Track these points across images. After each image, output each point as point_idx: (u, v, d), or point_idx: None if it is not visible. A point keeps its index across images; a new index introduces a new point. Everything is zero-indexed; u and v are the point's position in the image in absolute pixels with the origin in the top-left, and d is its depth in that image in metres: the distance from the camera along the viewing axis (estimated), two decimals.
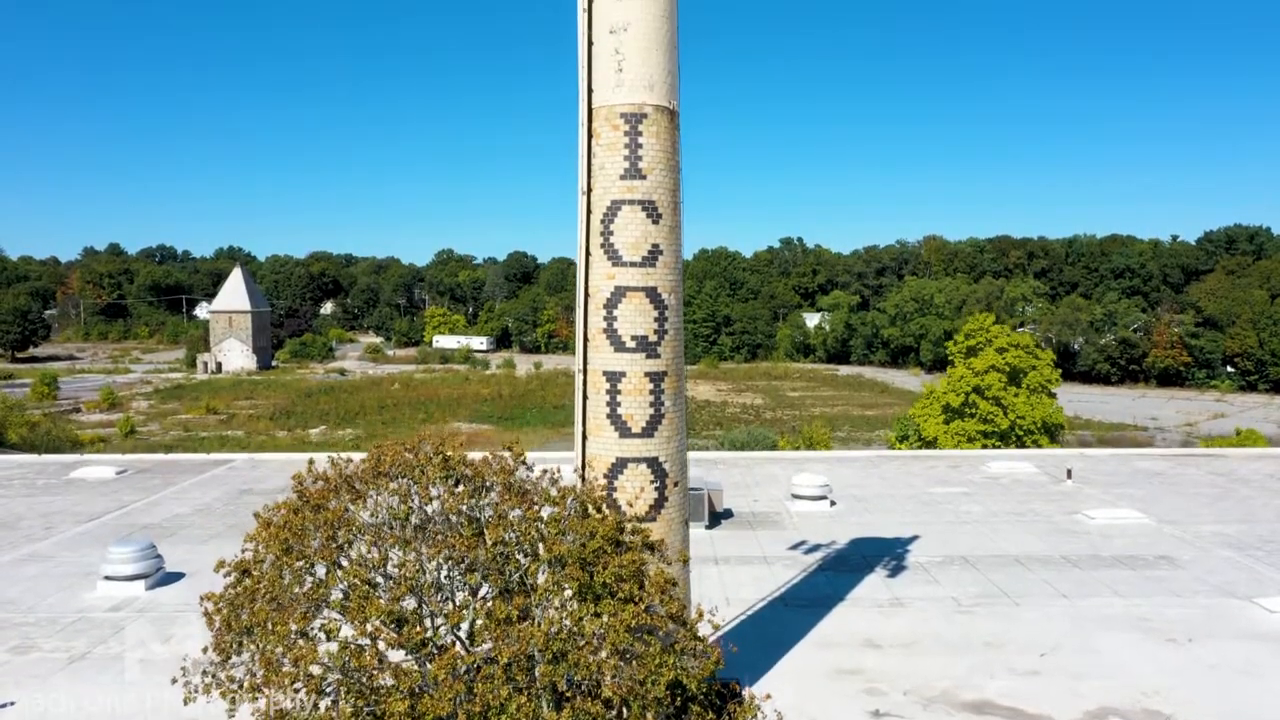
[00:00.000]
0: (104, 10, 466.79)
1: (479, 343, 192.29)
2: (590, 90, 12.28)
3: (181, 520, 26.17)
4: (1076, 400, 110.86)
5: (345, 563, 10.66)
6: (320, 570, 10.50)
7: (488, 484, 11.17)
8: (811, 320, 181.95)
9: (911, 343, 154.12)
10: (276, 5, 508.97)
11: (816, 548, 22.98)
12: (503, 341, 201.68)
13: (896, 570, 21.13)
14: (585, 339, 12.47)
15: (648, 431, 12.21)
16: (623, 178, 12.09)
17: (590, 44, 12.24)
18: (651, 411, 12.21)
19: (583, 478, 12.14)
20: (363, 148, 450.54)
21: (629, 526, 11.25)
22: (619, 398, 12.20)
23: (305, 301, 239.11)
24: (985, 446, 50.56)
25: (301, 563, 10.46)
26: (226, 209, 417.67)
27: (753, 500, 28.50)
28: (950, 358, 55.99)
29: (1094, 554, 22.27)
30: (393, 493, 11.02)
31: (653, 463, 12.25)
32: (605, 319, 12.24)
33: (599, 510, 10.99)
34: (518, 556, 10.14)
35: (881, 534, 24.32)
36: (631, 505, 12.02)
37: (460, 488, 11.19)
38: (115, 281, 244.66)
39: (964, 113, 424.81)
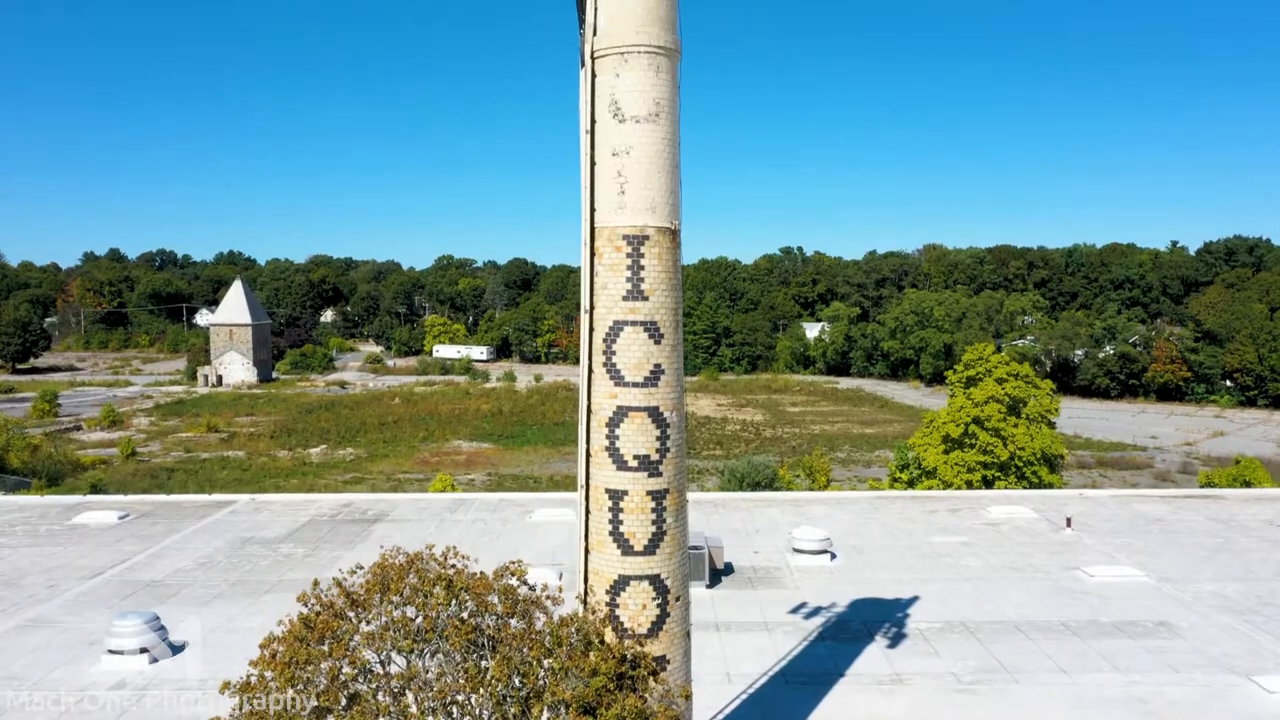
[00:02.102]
0: (103, 14, 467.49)
1: (479, 352, 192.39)
2: (593, 209, 12.39)
3: (184, 576, 26.23)
4: (1076, 416, 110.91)
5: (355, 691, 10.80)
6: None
7: (493, 610, 11.31)
8: (811, 331, 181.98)
9: (911, 355, 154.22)
10: (278, 8, 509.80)
11: (817, 611, 23.07)
12: (503, 351, 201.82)
13: (897, 639, 21.21)
14: (588, 455, 12.57)
15: (650, 549, 12.31)
16: (625, 299, 12.19)
17: (593, 164, 12.36)
18: (654, 530, 12.31)
19: (584, 601, 12.23)
20: (363, 150, 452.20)
21: (630, 655, 11.36)
22: (621, 515, 12.30)
23: (305, 309, 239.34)
24: (985, 477, 50.67)
25: (306, 694, 10.60)
26: (226, 211, 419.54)
27: (753, 552, 28.56)
28: (950, 388, 56.07)
29: (1093, 619, 22.35)
30: (397, 624, 11.13)
31: (655, 580, 12.34)
32: (608, 437, 12.33)
33: (601, 642, 11.09)
34: (520, 696, 10.25)
35: (882, 594, 24.40)
36: (634, 625, 12.13)
37: (465, 617, 11.33)
38: (115, 289, 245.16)
39: (964, 118, 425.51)
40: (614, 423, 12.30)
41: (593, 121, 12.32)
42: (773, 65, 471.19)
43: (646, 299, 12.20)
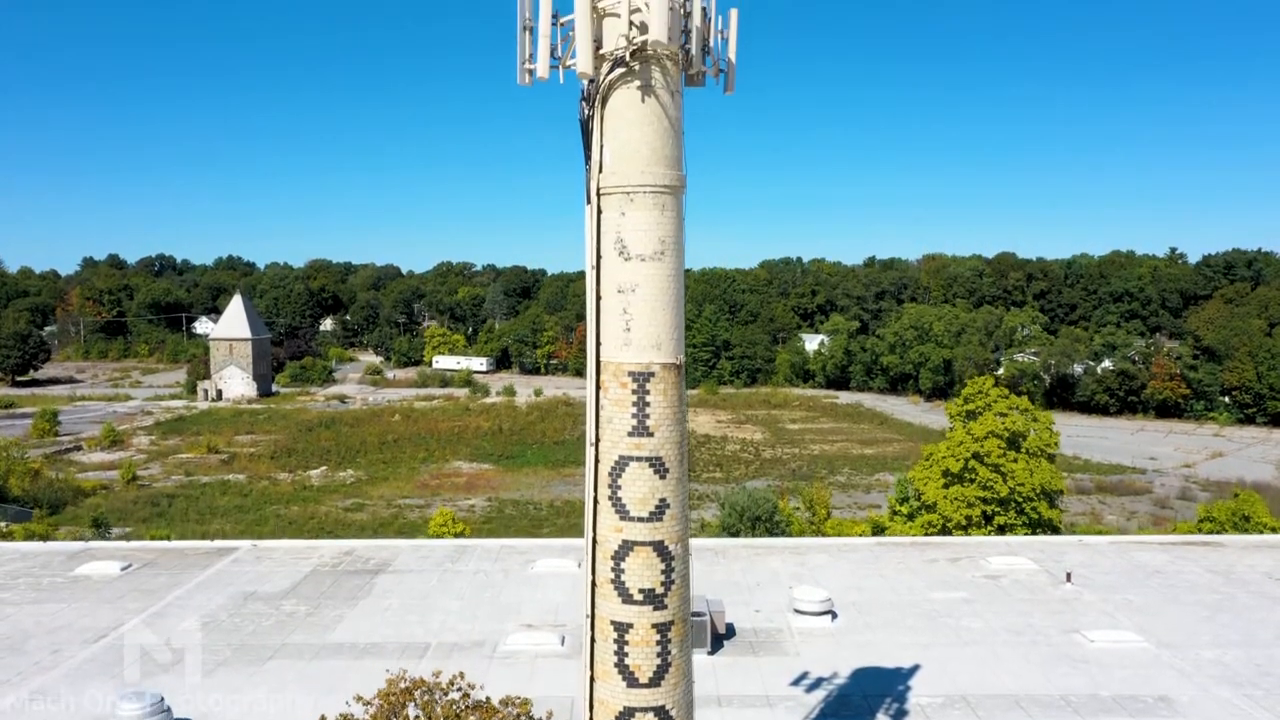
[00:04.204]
0: (101, 16, 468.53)
1: (479, 364, 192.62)
2: (599, 343, 12.52)
3: (187, 640, 26.26)
4: (1076, 435, 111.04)
5: None
6: None
7: None
8: (811, 343, 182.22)
9: (910, 370, 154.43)
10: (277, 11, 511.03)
11: (819, 683, 23.14)
12: (502, 362, 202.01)
13: (899, 716, 21.31)
14: (594, 584, 12.70)
15: (654, 681, 12.43)
16: (630, 434, 12.32)
17: (598, 299, 12.50)
18: (659, 662, 12.43)
19: None
20: (362, 153, 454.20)
21: None
22: (626, 648, 12.42)
23: (305, 319, 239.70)
24: (985, 512, 50.82)
25: None
26: (226, 212, 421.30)
27: (754, 611, 28.61)
28: (950, 420, 56.24)
29: (1093, 693, 22.44)
30: None
31: (660, 711, 12.46)
32: (613, 570, 12.46)
33: None
34: None
35: (883, 662, 24.48)
36: None
37: None
38: (115, 298, 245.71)
39: (964, 121, 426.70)
40: (619, 556, 12.43)
41: (598, 257, 12.46)
42: (772, 67, 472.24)
43: (651, 435, 12.33)
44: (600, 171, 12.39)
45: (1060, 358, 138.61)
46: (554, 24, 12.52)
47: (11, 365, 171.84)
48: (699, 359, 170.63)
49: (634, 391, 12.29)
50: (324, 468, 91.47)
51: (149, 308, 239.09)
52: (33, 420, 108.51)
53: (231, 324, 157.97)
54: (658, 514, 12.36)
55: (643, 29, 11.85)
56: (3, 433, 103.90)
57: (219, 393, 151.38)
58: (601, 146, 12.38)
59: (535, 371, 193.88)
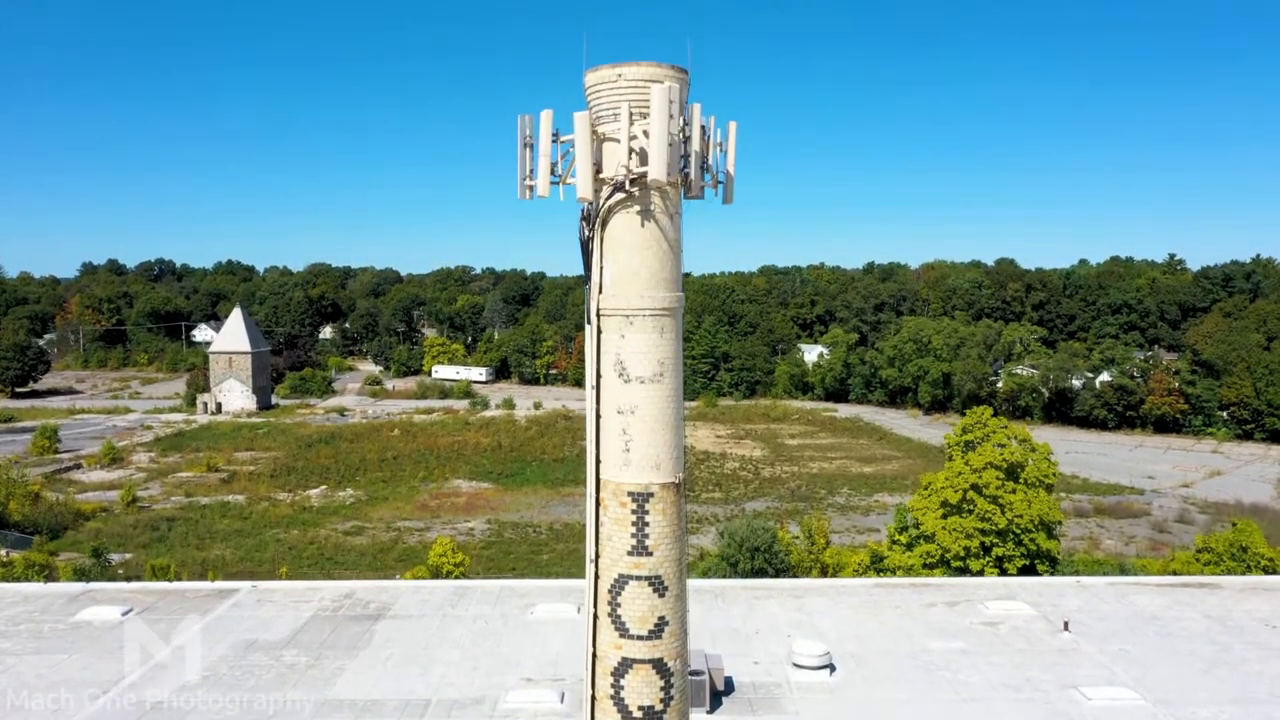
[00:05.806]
0: (102, 20, 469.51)
1: (478, 374, 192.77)
2: (599, 461, 12.67)
3: (188, 696, 26.37)
4: (1074, 450, 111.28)
5: None
6: None
7: None
8: (810, 354, 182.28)
9: (909, 384, 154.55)
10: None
11: None
12: (502, 372, 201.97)
13: None
14: (594, 699, 12.82)
15: None
16: (630, 553, 12.47)
17: (599, 417, 12.65)
18: None
19: None
20: (361, 154, 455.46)
21: None
22: None
23: (304, 327, 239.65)
24: (983, 543, 50.94)
25: None
26: (225, 214, 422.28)
27: (753, 663, 28.72)
28: (948, 452, 56.37)
29: None
30: None
31: None
32: (613, 686, 12.59)
33: None
34: None
35: None
36: None
37: None
38: (114, 306, 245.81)
39: (964, 124, 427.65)
40: (619, 673, 12.57)
41: (598, 377, 12.62)
42: (773, 68, 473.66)
43: (651, 554, 12.48)
44: (600, 293, 12.55)
45: (1058, 372, 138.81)
46: (554, 141, 12.66)
47: (11, 377, 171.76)
48: (698, 370, 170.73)
49: (633, 511, 12.44)
50: (324, 487, 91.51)
51: (148, 316, 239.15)
52: (32, 437, 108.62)
53: (231, 337, 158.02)
54: (657, 632, 12.51)
55: (642, 157, 12.00)
56: (3, 450, 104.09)
57: (219, 406, 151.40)
58: (601, 268, 12.54)
59: (535, 382, 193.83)
